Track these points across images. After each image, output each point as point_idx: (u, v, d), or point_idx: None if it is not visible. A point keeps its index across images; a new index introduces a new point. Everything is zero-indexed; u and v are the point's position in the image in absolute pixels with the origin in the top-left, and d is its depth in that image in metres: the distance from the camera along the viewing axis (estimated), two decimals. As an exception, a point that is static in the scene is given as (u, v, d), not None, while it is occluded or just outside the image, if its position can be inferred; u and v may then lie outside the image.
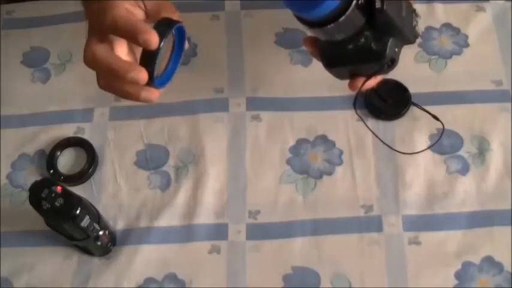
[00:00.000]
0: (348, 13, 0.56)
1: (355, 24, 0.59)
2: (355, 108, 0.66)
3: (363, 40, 0.61)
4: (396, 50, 0.62)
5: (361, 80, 0.64)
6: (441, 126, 0.79)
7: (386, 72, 0.63)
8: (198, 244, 0.76)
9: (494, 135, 0.80)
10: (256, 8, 0.91)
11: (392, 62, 0.62)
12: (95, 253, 0.75)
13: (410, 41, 0.64)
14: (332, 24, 0.57)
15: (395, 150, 0.77)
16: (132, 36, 0.55)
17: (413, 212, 0.76)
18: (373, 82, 0.65)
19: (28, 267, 0.75)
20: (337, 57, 0.64)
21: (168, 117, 0.83)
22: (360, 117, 0.69)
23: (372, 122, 0.81)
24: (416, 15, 0.64)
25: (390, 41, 0.61)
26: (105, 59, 0.56)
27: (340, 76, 0.66)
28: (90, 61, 0.57)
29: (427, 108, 0.81)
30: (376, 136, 0.76)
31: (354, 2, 0.56)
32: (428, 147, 0.79)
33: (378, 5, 0.57)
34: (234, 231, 0.76)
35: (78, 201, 0.67)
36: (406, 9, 0.61)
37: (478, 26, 0.88)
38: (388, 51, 0.60)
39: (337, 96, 0.82)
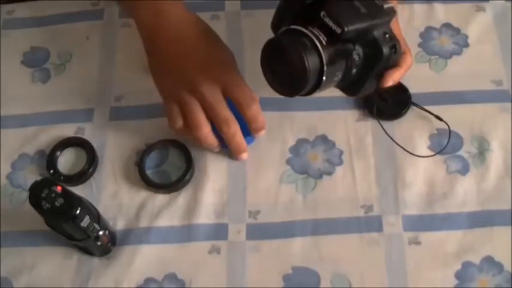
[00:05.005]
0: (325, 69, 0.58)
1: (339, 60, 0.60)
2: (367, 108, 0.64)
3: (357, 59, 0.61)
4: (387, 36, 0.61)
5: (386, 76, 0.65)
6: (441, 126, 0.79)
7: (399, 57, 0.64)
8: (198, 244, 0.76)
9: (494, 135, 0.80)
10: (256, 8, 0.90)
11: (395, 48, 0.62)
12: (95, 253, 0.75)
13: (391, 16, 0.62)
14: (321, 85, 0.59)
15: (407, 151, 0.77)
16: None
17: (413, 212, 0.76)
18: (399, 74, 0.66)
19: (28, 267, 0.75)
20: (354, 84, 0.65)
21: (168, 117, 0.83)
22: (376, 119, 0.69)
23: (372, 122, 0.81)
24: None
25: (375, 35, 0.60)
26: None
27: (370, 91, 0.67)
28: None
29: (427, 108, 0.81)
30: (390, 137, 0.76)
31: (324, 56, 0.57)
32: (438, 152, 0.78)
33: (337, 30, 0.57)
34: (234, 231, 0.76)
35: (78, 201, 0.67)
36: (362, 2, 0.60)
37: (478, 26, 0.88)
38: (381, 44, 0.60)
39: (337, 96, 0.81)
